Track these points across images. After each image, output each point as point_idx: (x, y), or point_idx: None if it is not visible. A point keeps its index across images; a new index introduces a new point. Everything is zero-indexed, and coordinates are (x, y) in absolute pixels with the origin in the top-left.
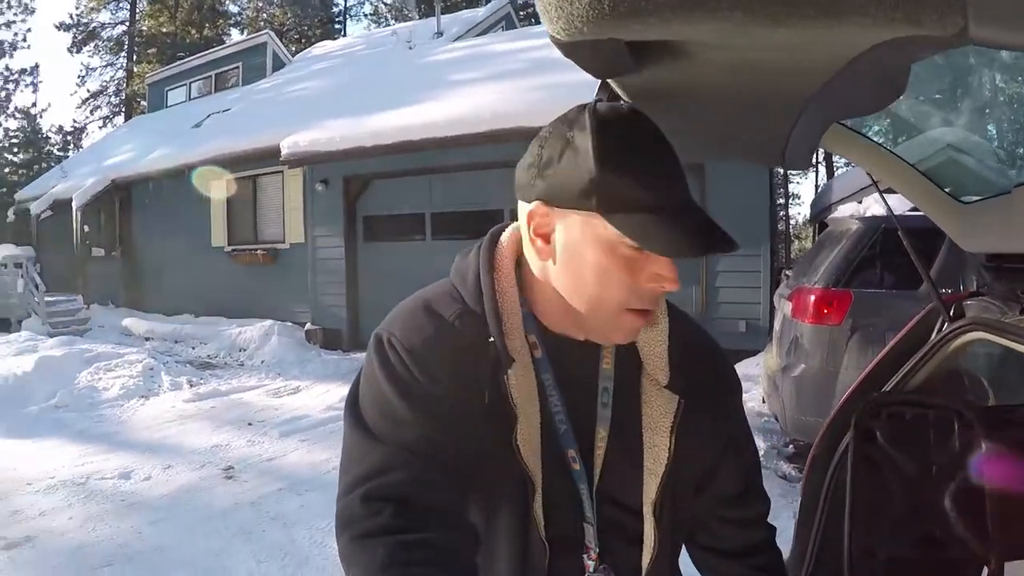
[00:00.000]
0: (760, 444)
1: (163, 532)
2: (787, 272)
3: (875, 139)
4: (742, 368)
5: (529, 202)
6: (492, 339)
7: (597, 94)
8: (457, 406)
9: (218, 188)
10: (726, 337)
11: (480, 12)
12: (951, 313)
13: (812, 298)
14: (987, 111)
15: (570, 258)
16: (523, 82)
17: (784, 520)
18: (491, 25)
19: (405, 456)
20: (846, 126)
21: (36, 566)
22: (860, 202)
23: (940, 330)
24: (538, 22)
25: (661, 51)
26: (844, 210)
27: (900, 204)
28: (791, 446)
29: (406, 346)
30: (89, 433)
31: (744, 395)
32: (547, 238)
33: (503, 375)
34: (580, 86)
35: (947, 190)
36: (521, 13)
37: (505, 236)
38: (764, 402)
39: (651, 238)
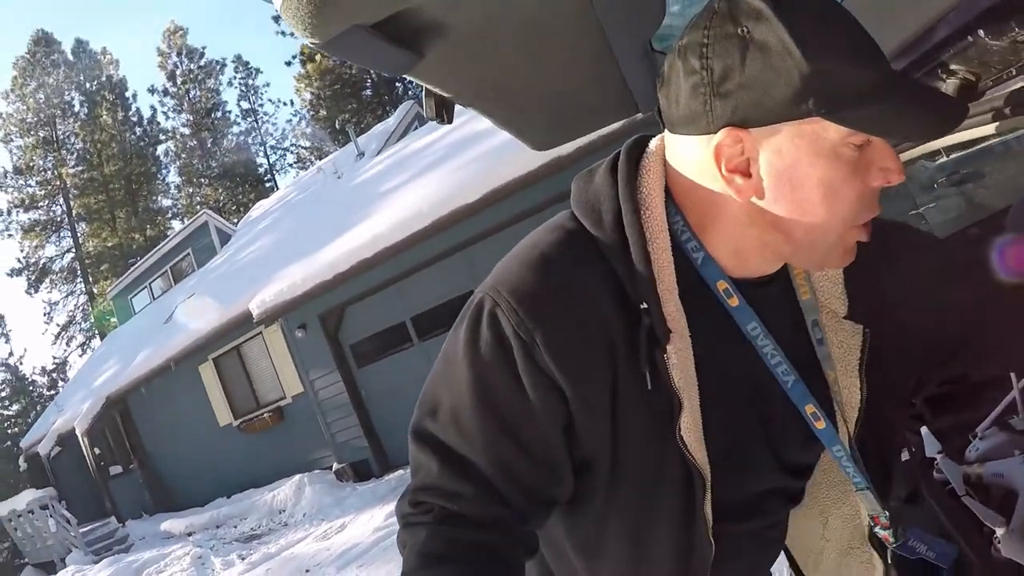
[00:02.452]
0: None
1: None
2: None
3: None
4: None
5: (710, 132)
6: (645, 305)
7: (425, 104)
8: (593, 398)
9: (208, 369)
10: None
11: (391, 121)
12: None
13: None
14: None
15: (785, 186)
16: (447, 167)
17: None
18: (405, 129)
19: (467, 475)
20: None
21: None
22: None
23: None
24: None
25: (419, 31)
26: None
27: None
28: None
29: (523, 332)
30: None
31: None
32: (745, 171)
33: (659, 352)
34: (496, 151)
35: None
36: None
37: (653, 155)
38: None
39: (894, 124)
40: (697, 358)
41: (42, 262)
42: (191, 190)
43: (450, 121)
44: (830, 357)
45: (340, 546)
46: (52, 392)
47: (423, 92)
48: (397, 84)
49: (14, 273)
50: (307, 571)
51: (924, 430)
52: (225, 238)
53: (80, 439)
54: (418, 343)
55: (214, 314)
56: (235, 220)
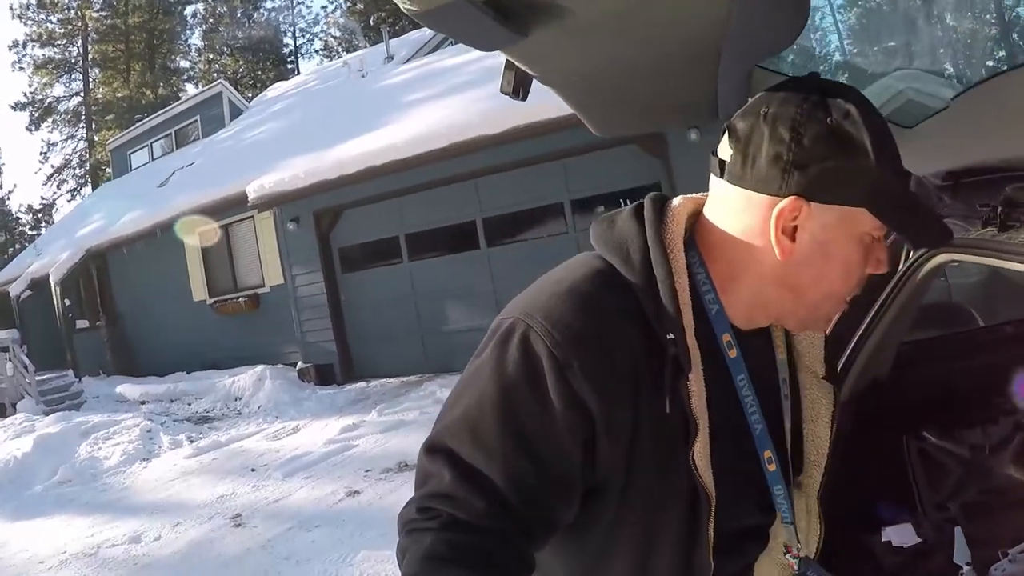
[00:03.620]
0: None
1: None
2: None
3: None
4: None
5: (776, 195)
6: (672, 336)
7: (503, 78)
8: (617, 420)
9: (192, 242)
10: None
11: (427, 31)
12: None
13: None
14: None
15: (819, 255)
16: (476, 92)
17: None
18: (439, 43)
19: (481, 487)
20: (775, 71)
21: None
22: None
23: (907, 258)
24: None
25: (532, 10)
26: None
27: None
28: None
29: (560, 354)
30: (95, 504)
31: None
32: (792, 235)
33: (683, 381)
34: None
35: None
36: None
37: (678, 209)
38: None
39: (917, 232)
40: (711, 402)
41: (48, 101)
42: (211, 56)
43: (525, 99)
44: (789, 412)
45: (290, 451)
46: (35, 233)
47: (503, 65)
48: None
49: (18, 107)
50: (253, 470)
51: (958, 532)
52: (236, 112)
53: (53, 287)
54: (407, 261)
55: (209, 189)
56: (250, 96)
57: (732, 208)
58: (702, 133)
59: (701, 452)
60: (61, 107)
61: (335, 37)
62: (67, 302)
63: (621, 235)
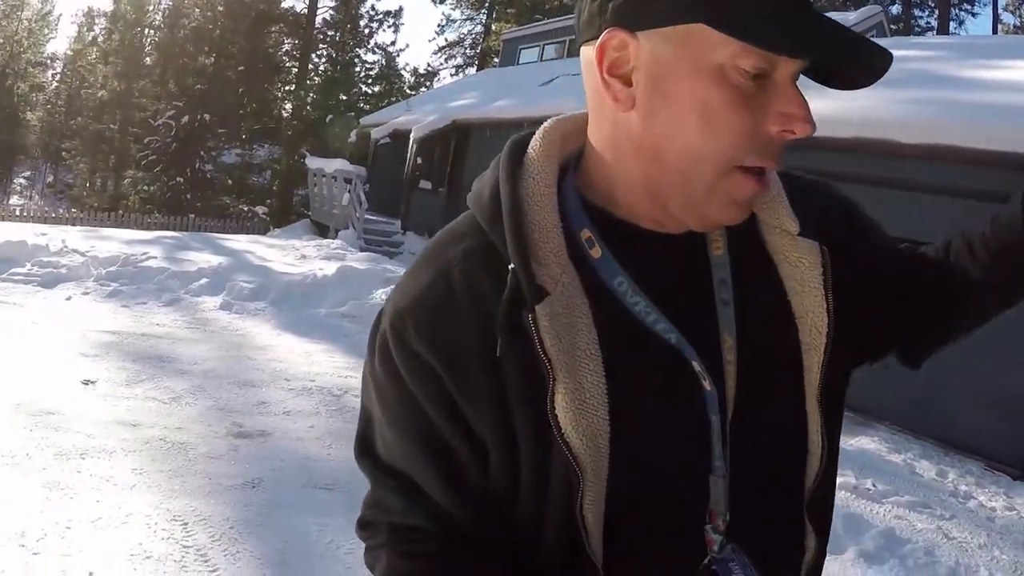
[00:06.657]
0: None
1: None
2: None
3: None
4: None
5: (598, 37)
6: (512, 266)
7: None
8: (471, 377)
9: None
10: None
11: (851, 16)
12: None
13: None
14: None
15: (662, 98)
16: (896, 93)
17: None
18: (862, 32)
19: (395, 483)
20: None
21: (256, 463)
22: None
23: None
24: (908, 33)
25: None
26: None
27: None
28: None
29: (396, 320)
30: (365, 348)
31: None
32: (627, 78)
33: (526, 315)
34: (956, 104)
35: None
36: (892, 27)
37: (542, 133)
38: None
39: (778, 34)
40: (598, 326)
41: None
42: None
43: None
44: (731, 321)
45: None
46: (412, 93)
47: None
48: None
49: None
50: None
51: None
52: None
53: (411, 143)
54: None
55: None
56: None
57: (584, 78)
58: None
59: (566, 405)
60: None
61: None
62: (419, 160)
63: (482, 181)
